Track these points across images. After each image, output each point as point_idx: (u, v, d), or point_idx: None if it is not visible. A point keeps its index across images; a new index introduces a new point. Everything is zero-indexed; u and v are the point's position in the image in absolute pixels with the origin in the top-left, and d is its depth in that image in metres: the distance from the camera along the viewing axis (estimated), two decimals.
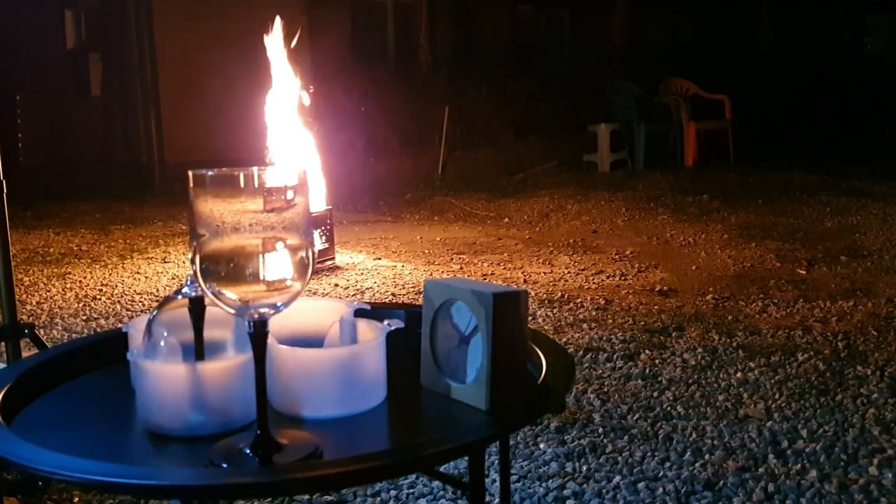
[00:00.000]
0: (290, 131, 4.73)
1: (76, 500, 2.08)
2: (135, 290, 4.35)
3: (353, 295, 4.14)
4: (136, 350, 1.02)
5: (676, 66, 10.39)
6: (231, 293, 0.83)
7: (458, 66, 10.48)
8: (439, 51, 10.64)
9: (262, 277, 0.83)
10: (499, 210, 6.90)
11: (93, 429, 1.04)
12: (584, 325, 3.51)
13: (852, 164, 8.71)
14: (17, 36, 8.81)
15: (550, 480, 2.14)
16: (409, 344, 1.13)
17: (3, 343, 2.56)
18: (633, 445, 2.34)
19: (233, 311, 0.85)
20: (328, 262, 4.78)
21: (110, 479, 0.84)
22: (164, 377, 0.99)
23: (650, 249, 5.20)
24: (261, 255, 0.82)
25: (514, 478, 2.15)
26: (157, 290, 4.35)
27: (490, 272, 4.64)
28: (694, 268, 4.63)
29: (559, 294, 4.07)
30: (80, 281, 4.57)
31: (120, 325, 1.17)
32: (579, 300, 3.93)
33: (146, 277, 4.65)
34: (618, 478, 2.15)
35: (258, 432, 0.90)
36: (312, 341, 1.10)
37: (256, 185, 0.82)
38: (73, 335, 3.56)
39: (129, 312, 3.93)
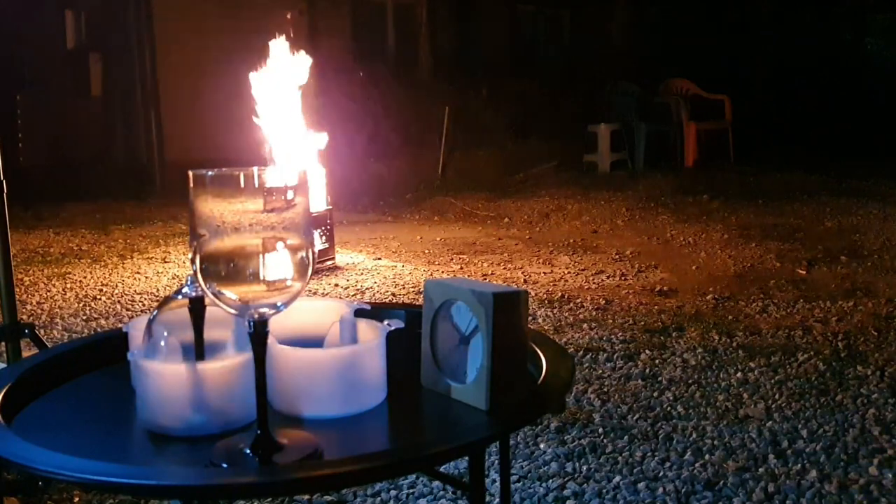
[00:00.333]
0: (290, 131, 4.73)
1: (76, 500, 2.08)
2: (135, 290, 4.35)
3: (353, 295, 4.14)
4: (136, 350, 1.02)
5: (676, 66, 10.39)
6: (231, 293, 0.83)
7: (458, 66, 10.47)
8: (439, 51, 10.64)
9: (262, 277, 0.83)
10: (499, 210, 6.90)
11: (93, 429, 1.04)
12: (584, 325, 3.50)
13: (852, 164, 8.70)
14: (17, 36, 8.81)
15: (550, 480, 2.14)
16: (409, 344, 1.13)
17: (3, 343, 2.56)
18: (634, 445, 2.34)
19: (233, 311, 0.85)
20: (328, 262, 4.78)
21: (110, 479, 0.84)
22: (164, 377, 0.99)
23: (650, 249, 5.20)
24: (261, 255, 0.82)
25: (514, 478, 2.15)
26: (158, 290, 4.35)
27: (490, 272, 4.64)
28: (694, 268, 4.63)
29: (559, 294, 4.07)
30: (81, 281, 4.57)
31: (120, 325, 1.18)
32: (579, 300, 3.93)
33: (146, 277, 4.65)
34: (618, 478, 2.15)
35: (258, 432, 0.90)
36: (312, 341, 1.10)
37: (256, 185, 0.82)
38: (73, 335, 3.56)
39: (130, 312, 3.93)
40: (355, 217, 6.70)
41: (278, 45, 4.74)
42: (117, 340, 1.17)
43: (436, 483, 2.11)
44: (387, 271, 4.70)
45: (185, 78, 8.69)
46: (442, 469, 1.85)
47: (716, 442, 2.35)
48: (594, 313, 3.70)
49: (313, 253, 0.86)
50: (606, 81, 10.06)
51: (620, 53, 11.36)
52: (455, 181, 8.34)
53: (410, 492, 2.09)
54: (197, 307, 1.00)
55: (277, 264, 0.83)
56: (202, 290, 0.84)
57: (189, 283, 1.00)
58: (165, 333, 1.01)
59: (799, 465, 2.20)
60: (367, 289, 4.27)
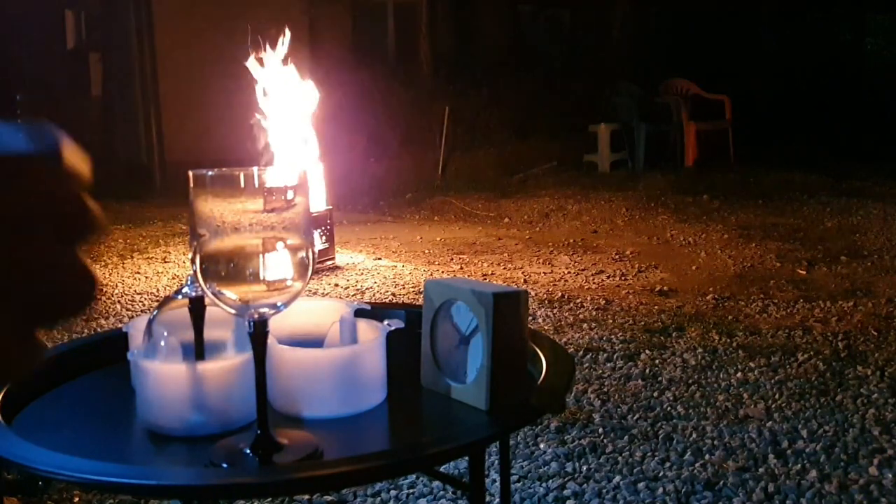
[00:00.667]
0: (290, 131, 4.73)
1: (76, 500, 2.08)
2: (135, 290, 4.34)
3: (353, 295, 4.14)
4: (136, 350, 1.02)
5: (677, 66, 10.39)
6: (231, 293, 0.83)
7: (458, 66, 10.47)
8: (439, 51, 10.64)
9: (262, 277, 0.83)
10: (499, 210, 6.90)
11: (93, 429, 1.04)
12: (584, 325, 3.50)
13: (852, 164, 8.70)
14: (18, 36, 8.81)
15: (550, 480, 2.14)
16: (409, 344, 1.13)
17: None
18: (634, 445, 2.34)
19: (233, 311, 0.85)
20: (328, 262, 4.78)
21: (110, 479, 0.84)
22: (164, 377, 0.99)
23: (650, 249, 5.20)
24: (261, 255, 0.82)
25: (514, 478, 2.15)
26: (158, 290, 4.35)
27: (490, 272, 4.64)
28: (694, 268, 4.63)
29: (559, 294, 4.07)
30: None
31: (120, 325, 1.18)
32: (579, 300, 3.93)
33: (146, 277, 4.65)
34: (618, 478, 2.15)
35: (258, 432, 0.90)
36: (312, 341, 1.10)
37: (256, 185, 0.82)
38: (73, 335, 3.56)
39: (129, 312, 3.93)
40: (355, 217, 6.70)
41: (277, 46, 4.74)
42: (117, 340, 1.17)
43: (436, 483, 2.11)
44: (387, 271, 4.70)
45: (185, 78, 8.69)
46: (442, 469, 1.85)
47: (716, 442, 2.35)
48: (594, 313, 3.70)
49: (313, 253, 0.86)
50: (606, 81, 10.06)
51: (620, 53, 11.36)
52: (455, 181, 8.34)
53: (410, 492, 2.09)
54: (197, 307, 1.00)
55: (277, 264, 0.83)
56: (202, 290, 0.84)
57: (189, 283, 1.00)
58: (165, 333, 1.01)
59: (799, 465, 2.20)
60: (367, 289, 4.27)
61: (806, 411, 2.56)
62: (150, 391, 0.99)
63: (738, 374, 2.88)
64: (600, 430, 2.45)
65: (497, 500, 1.78)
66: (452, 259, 5.03)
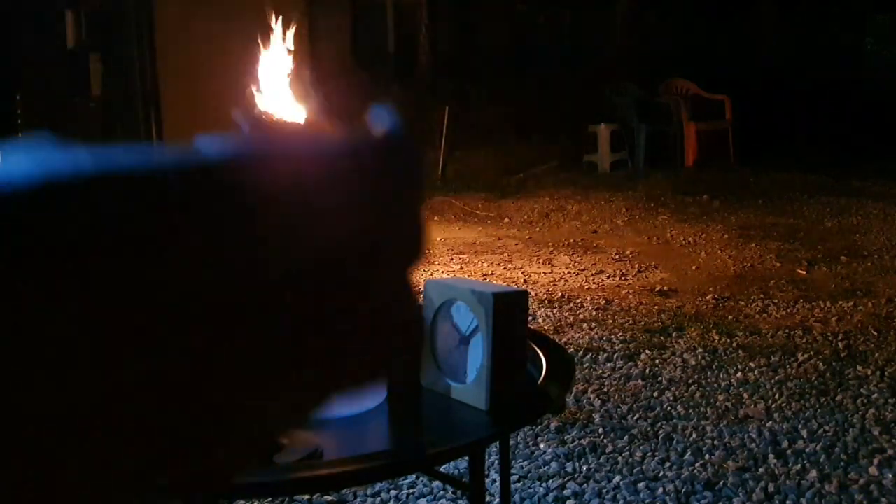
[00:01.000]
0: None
1: None
2: None
3: None
4: None
5: (676, 67, 10.39)
6: None
7: (458, 66, 10.47)
8: (439, 51, 10.64)
9: None
10: (499, 210, 6.90)
11: None
12: (584, 325, 3.50)
13: (852, 164, 8.70)
14: (17, 36, 8.81)
15: (550, 480, 2.14)
16: None
17: None
18: (633, 445, 2.34)
19: None
20: None
21: None
22: None
23: (650, 249, 5.20)
24: None
25: (514, 478, 2.15)
26: None
27: (490, 272, 4.64)
28: (694, 268, 4.63)
29: (559, 294, 4.07)
30: None
31: None
32: (579, 300, 3.93)
33: None
34: (618, 478, 2.15)
35: None
36: None
37: None
38: None
39: None
40: None
41: (277, 46, 4.74)
42: None
43: (436, 483, 2.11)
44: None
45: (185, 78, 8.69)
46: (442, 469, 1.85)
47: (716, 442, 2.35)
48: (594, 313, 3.70)
49: None
50: (606, 81, 10.06)
51: (620, 53, 11.36)
52: (455, 181, 8.34)
53: (410, 492, 2.09)
54: None
55: None
56: None
57: None
58: None
59: (799, 465, 2.20)
60: None
61: (806, 411, 2.56)
62: None
63: (738, 374, 2.88)
64: (600, 430, 2.45)
65: (497, 500, 1.77)
66: (452, 259, 5.03)
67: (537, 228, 6.13)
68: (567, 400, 2.65)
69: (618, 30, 11.89)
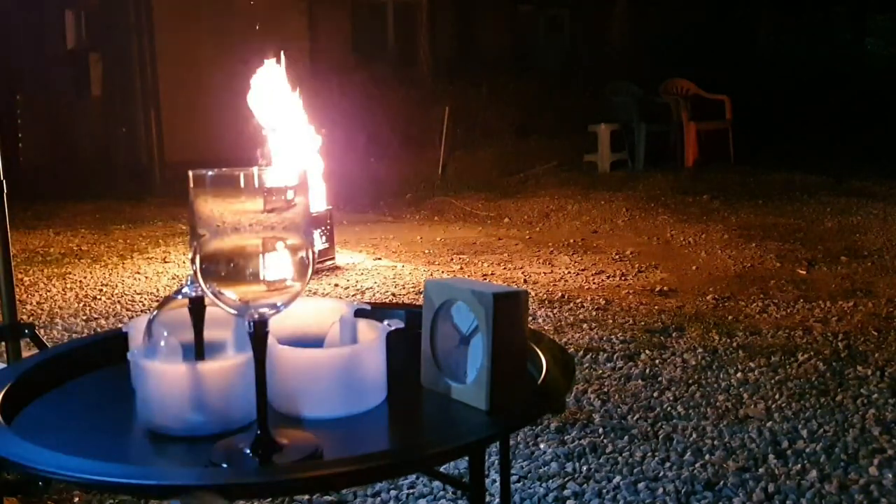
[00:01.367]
0: (289, 131, 4.73)
1: (76, 500, 2.08)
2: (135, 290, 4.35)
3: (353, 295, 4.14)
4: (136, 350, 1.02)
5: (676, 66, 10.38)
6: (231, 293, 0.83)
7: (458, 66, 10.47)
8: (439, 51, 10.64)
9: (262, 277, 0.83)
10: (499, 210, 6.90)
11: (93, 429, 1.04)
12: (585, 325, 3.51)
13: (852, 164, 8.70)
14: (17, 36, 8.81)
15: (550, 480, 2.14)
16: (409, 344, 1.13)
17: (3, 343, 2.56)
18: (634, 445, 2.34)
19: (233, 311, 0.85)
20: (328, 262, 4.78)
21: (110, 479, 0.84)
22: (164, 377, 0.98)
23: (650, 249, 5.20)
24: (261, 255, 0.82)
25: (514, 478, 2.15)
26: (157, 290, 4.35)
27: (490, 272, 4.64)
28: (694, 268, 4.63)
29: (559, 294, 4.07)
30: (81, 281, 4.57)
31: (120, 325, 1.17)
32: (579, 300, 3.93)
33: (146, 277, 4.65)
34: (618, 478, 2.15)
35: (258, 432, 0.90)
36: (312, 341, 1.10)
37: (256, 185, 0.82)
38: (73, 335, 3.56)
39: (129, 312, 3.93)
40: (355, 217, 6.70)
41: (277, 46, 4.74)
42: (117, 340, 1.17)
43: (436, 483, 2.11)
44: (387, 271, 4.70)
45: (184, 78, 8.69)
46: (442, 469, 1.85)
47: (716, 442, 2.35)
48: (594, 313, 3.70)
49: (313, 253, 0.85)
50: (606, 81, 10.06)
51: (620, 53, 11.36)
52: (455, 181, 8.34)
53: (410, 492, 2.09)
54: (197, 307, 1.00)
55: (277, 264, 0.83)
56: (202, 290, 0.84)
57: (189, 283, 1.00)
58: (165, 333, 1.00)
59: (799, 466, 2.20)
60: (367, 289, 4.27)
61: (806, 411, 2.56)
62: (150, 391, 0.99)
63: (738, 375, 2.88)
64: (600, 430, 2.45)
65: (497, 500, 1.77)
66: (452, 259, 5.03)
67: (537, 228, 6.13)
68: (567, 400, 2.65)
69: (618, 29, 11.89)
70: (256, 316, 0.85)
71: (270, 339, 0.90)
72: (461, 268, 4.77)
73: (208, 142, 8.05)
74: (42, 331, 3.54)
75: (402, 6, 10.89)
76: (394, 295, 4.15)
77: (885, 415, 2.52)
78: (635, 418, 2.53)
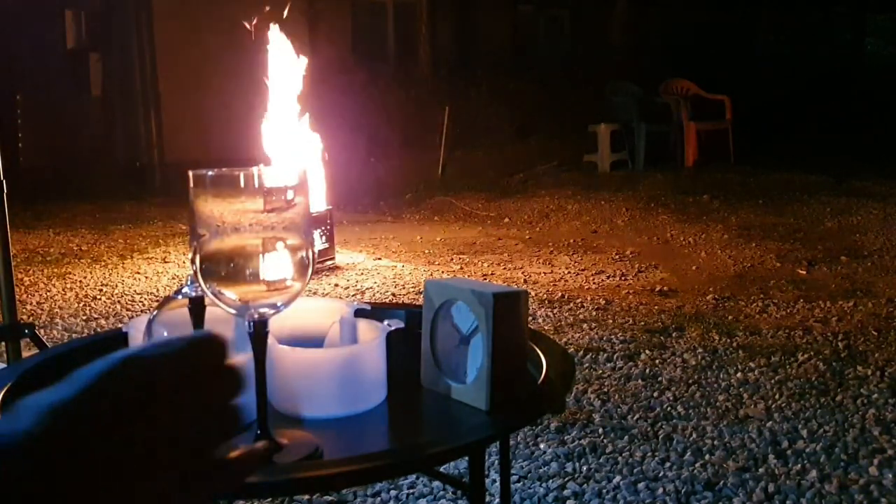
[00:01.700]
0: (290, 132, 4.73)
1: None
2: (135, 290, 4.34)
3: (353, 295, 4.14)
4: None
5: (676, 66, 10.38)
6: (231, 293, 0.83)
7: (458, 66, 10.48)
8: (439, 51, 10.64)
9: (262, 277, 0.83)
10: (499, 210, 6.90)
11: None
12: (585, 326, 3.50)
13: (852, 164, 8.70)
14: (17, 36, 8.81)
15: (551, 480, 2.14)
16: (409, 344, 1.13)
17: (3, 343, 2.56)
18: (634, 445, 2.34)
19: (233, 311, 0.85)
20: (328, 262, 4.78)
21: None
22: None
23: (650, 249, 5.20)
24: (261, 255, 0.82)
25: (514, 478, 2.15)
26: (157, 290, 4.35)
27: (490, 272, 4.64)
28: (694, 268, 4.63)
29: (559, 294, 4.07)
30: (80, 281, 4.57)
31: (120, 325, 1.17)
32: (579, 300, 3.93)
33: (146, 277, 4.65)
34: (618, 478, 2.15)
35: (258, 432, 0.90)
36: (312, 341, 1.10)
37: (256, 185, 0.82)
38: (73, 335, 3.56)
39: (129, 312, 3.93)
40: (355, 217, 6.70)
41: (277, 46, 4.74)
42: (117, 340, 1.17)
43: (436, 483, 2.11)
44: (387, 271, 4.70)
45: (184, 78, 8.69)
46: (442, 469, 1.85)
47: (716, 442, 2.35)
48: (594, 313, 3.70)
49: (313, 253, 0.85)
50: (606, 81, 10.06)
51: (620, 53, 11.36)
52: (455, 181, 8.34)
53: (410, 492, 2.09)
54: (197, 307, 1.00)
55: (277, 264, 0.83)
56: (202, 290, 0.84)
57: (189, 283, 1.00)
58: (165, 333, 1.00)
59: (799, 465, 2.20)
60: (367, 289, 4.27)
61: (806, 411, 2.56)
62: None
63: (738, 375, 2.88)
64: (600, 430, 2.45)
65: (497, 500, 1.77)
66: (452, 259, 5.03)
67: (537, 228, 6.13)
68: (567, 400, 2.65)
69: (618, 30, 11.89)
70: (256, 316, 0.85)
71: (270, 339, 0.90)
72: (461, 268, 4.77)
73: (208, 142, 8.05)
74: (42, 331, 3.54)
75: (402, 6, 10.89)
76: (394, 295, 4.15)
77: (885, 415, 2.52)
78: (635, 418, 2.53)
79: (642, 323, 3.53)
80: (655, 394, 2.72)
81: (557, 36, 12.66)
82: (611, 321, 3.57)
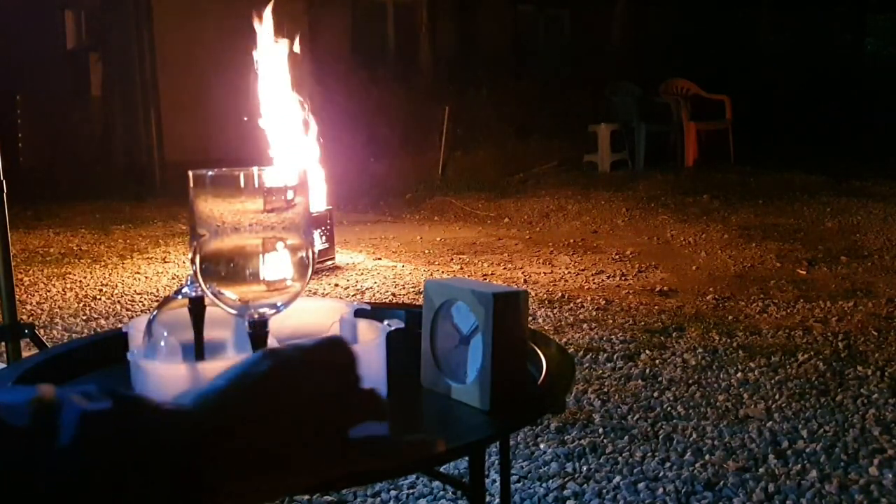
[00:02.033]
0: (290, 132, 4.73)
1: None
2: (135, 290, 4.34)
3: (353, 295, 4.14)
4: (136, 350, 1.02)
5: (676, 66, 10.38)
6: (231, 293, 0.83)
7: (458, 66, 10.48)
8: (439, 51, 10.64)
9: (262, 277, 0.83)
10: (499, 210, 6.90)
11: None
12: (585, 326, 3.50)
13: (852, 164, 8.70)
14: (17, 36, 8.81)
15: (551, 481, 2.14)
16: (409, 344, 1.13)
17: (3, 343, 2.56)
18: (634, 446, 2.34)
19: (233, 311, 0.85)
20: (328, 262, 4.78)
21: None
22: (164, 377, 0.98)
23: (650, 249, 5.20)
24: (261, 255, 0.82)
25: (514, 478, 2.15)
26: (157, 290, 4.35)
27: (490, 272, 4.64)
28: (694, 268, 4.63)
29: (559, 294, 4.07)
30: (80, 281, 4.57)
31: (120, 325, 1.17)
32: (579, 300, 3.93)
33: (146, 277, 4.65)
34: (618, 478, 2.15)
35: None
36: None
37: (256, 185, 0.82)
38: (73, 335, 3.56)
39: (129, 312, 3.93)
40: (355, 217, 6.70)
41: (277, 46, 4.74)
42: (117, 340, 1.17)
43: (436, 483, 2.11)
44: (387, 271, 4.70)
45: (185, 78, 8.69)
46: (442, 469, 1.85)
47: (716, 442, 2.35)
48: (594, 313, 3.70)
49: (313, 253, 0.85)
50: (606, 81, 10.06)
51: (620, 53, 11.36)
52: (455, 181, 8.34)
53: (410, 492, 2.09)
54: (197, 307, 1.00)
55: (277, 264, 0.83)
56: (202, 290, 0.84)
57: (189, 283, 1.00)
58: (165, 333, 1.00)
59: (799, 466, 2.20)
60: (367, 289, 4.27)
61: (806, 411, 2.56)
62: (149, 391, 0.99)
63: (738, 375, 2.88)
64: (600, 430, 2.45)
65: (497, 500, 1.77)
66: (452, 259, 5.03)
67: (537, 228, 6.13)
68: (567, 400, 2.65)
69: (618, 30, 11.89)
70: (256, 316, 0.85)
71: (270, 339, 0.90)
72: (461, 268, 4.77)
73: (208, 142, 8.05)
74: (42, 331, 3.54)
75: (402, 6, 10.89)
76: (394, 295, 4.15)
77: (885, 415, 2.52)
78: (635, 418, 2.53)
79: (642, 323, 3.53)
80: (655, 394, 2.72)
81: (557, 36, 12.66)
82: (611, 321, 3.57)
